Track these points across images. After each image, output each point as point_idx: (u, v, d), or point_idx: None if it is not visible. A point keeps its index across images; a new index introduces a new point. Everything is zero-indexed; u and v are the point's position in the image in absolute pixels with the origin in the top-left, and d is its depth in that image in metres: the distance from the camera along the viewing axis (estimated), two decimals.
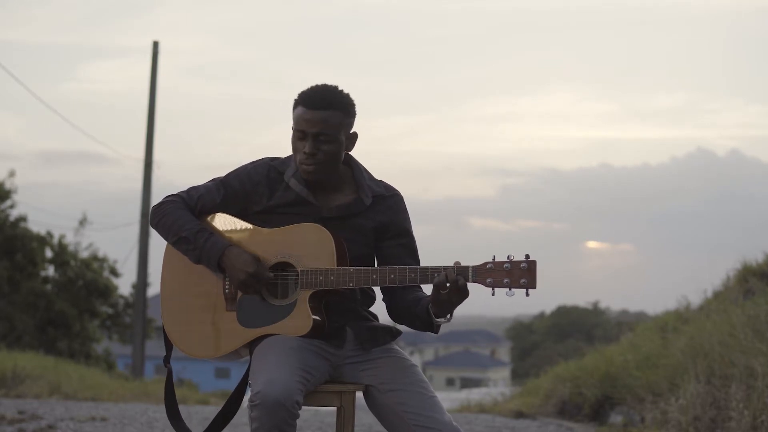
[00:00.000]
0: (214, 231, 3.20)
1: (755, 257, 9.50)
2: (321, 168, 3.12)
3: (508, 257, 2.92)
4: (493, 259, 2.93)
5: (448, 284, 2.93)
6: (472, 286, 2.96)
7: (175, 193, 3.27)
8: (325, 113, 3.09)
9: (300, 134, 3.10)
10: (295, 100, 3.15)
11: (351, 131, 3.17)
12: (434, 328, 3.11)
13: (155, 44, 22.33)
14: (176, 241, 3.19)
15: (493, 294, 2.92)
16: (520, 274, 2.90)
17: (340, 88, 3.15)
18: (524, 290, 2.91)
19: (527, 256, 2.91)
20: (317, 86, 3.14)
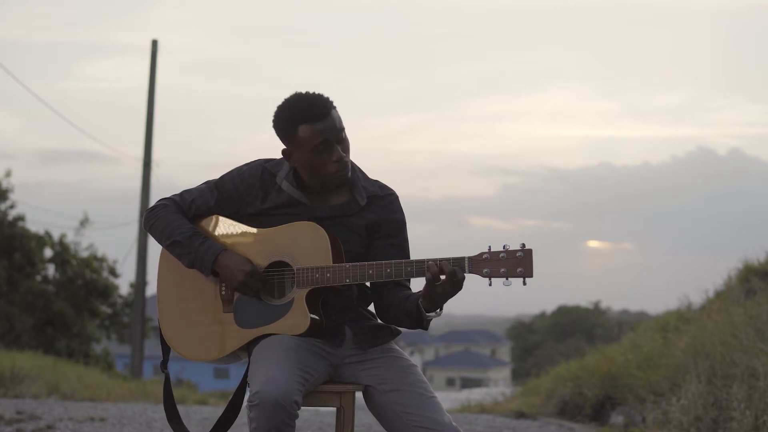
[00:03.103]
0: (207, 234, 3.19)
1: (757, 256, 9.49)
2: (350, 167, 3.12)
3: (503, 247, 2.90)
4: (489, 249, 2.91)
5: (443, 276, 2.91)
6: (470, 279, 2.93)
7: (168, 196, 3.26)
8: (331, 116, 3.06)
9: (322, 147, 3.05)
10: (286, 122, 3.07)
11: None
12: (424, 324, 3.07)
13: (154, 43, 22.31)
14: (169, 244, 3.18)
15: (490, 284, 2.90)
16: (516, 263, 2.87)
17: (312, 91, 3.10)
18: (521, 279, 2.88)
19: (523, 245, 2.89)
20: (302, 98, 3.07)
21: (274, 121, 3.11)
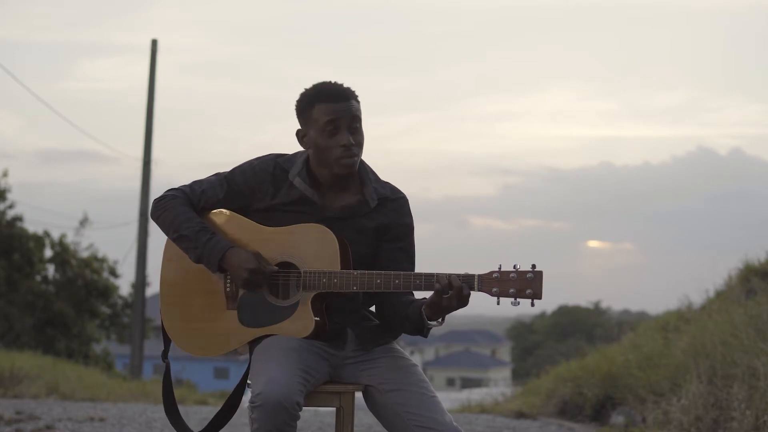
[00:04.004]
0: (215, 229, 3.16)
1: (757, 256, 9.49)
2: (358, 160, 3.10)
3: (514, 267, 2.89)
4: (499, 268, 2.91)
5: (451, 291, 2.90)
6: (476, 293, 2.93)
7: (177, 186, 3.23)
8: (351, 103, 3.09)
9: (332, 129, 3.06)
10: (306, 101, 3.11)
11: None
12: (425, 332, 3.07)
13: (154, 42, 22.31)
14: (177, 238, 3.14)
15: (498, 303, 2.91)
16: (526, 284, 2.88)
17: (340, 82, 3.14)
18: (529, 300, 2.89)
19: (533, 266, 2.88)
20: (326, 82, 3.12)
21: (296, 102, 3.14)
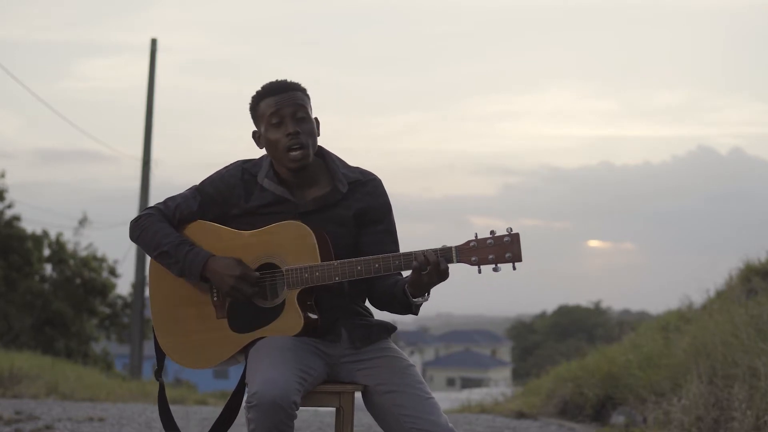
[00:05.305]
0: (194, 241, 3.18)
1: (758, 256, 9.47)
2: (307, 151, 3.10)
3: (490, 233, 2.90)
4: (476, 236, 2.91)
5: (429, 267, 2.90)
6: (465, 273, 2.94)
7: (152, 205, 3.26)
8: (291, 93, 3.13)
9: (277, 122, 3.11)
10: (254, 101, 3.18)
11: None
12: (413, 309, 3.08)
13: (153, 42, 22.31)
14: (157, 255, 3.17)
15: (479, 272, 2.90)
16: (504, 248, 2.87)
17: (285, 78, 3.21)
18: (510, 264, 2.88)
19: (509, 229, 2.88)
20: (271, 81, 3.18)
21: (248, 106, 3.21)
